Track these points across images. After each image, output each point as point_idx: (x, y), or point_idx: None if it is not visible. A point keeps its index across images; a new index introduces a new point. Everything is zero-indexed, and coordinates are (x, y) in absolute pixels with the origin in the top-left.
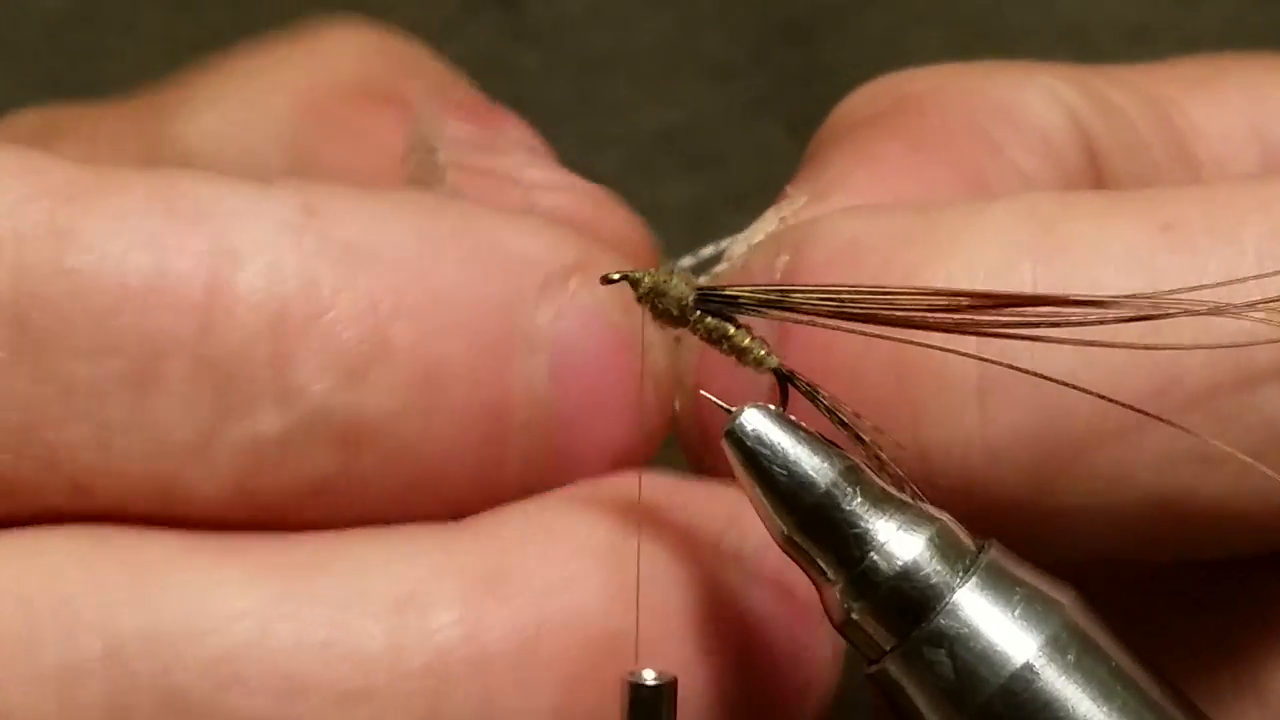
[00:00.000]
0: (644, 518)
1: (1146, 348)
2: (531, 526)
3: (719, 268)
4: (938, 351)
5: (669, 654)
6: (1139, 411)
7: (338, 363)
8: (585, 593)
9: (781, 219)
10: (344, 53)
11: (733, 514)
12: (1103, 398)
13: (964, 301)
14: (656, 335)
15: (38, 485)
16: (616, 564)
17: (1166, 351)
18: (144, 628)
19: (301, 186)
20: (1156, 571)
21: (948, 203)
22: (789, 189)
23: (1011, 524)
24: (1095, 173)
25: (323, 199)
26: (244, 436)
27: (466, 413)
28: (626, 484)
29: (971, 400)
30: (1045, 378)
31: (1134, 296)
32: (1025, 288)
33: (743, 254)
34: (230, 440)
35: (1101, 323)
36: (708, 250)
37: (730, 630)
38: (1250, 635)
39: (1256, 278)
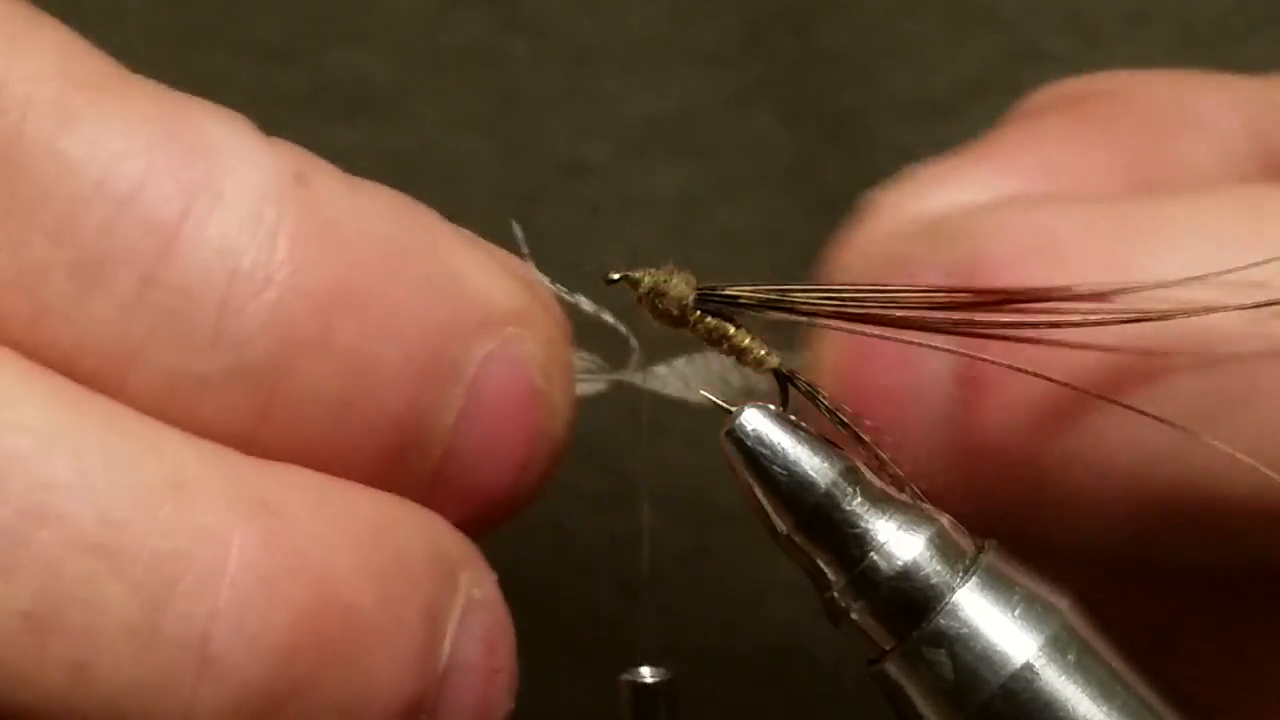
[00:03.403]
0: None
1: (1142, 351)
2: (316, 483)
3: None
4: None
5: (370, 665)
6: (1139, 411)
7: (279, 331)
8: (336, 555)
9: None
10: None
11: (469, 558)
12: (1102, 397)
13: (963, 299)
14: (561, 401)
15: None
16: (375, 549)
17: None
18: None
19: (302, 155)
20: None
21: (1136, 195)
22: None
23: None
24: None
25: (317, 173)
26: (168, 366)
27: (379, 419)
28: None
29: None
30: (1044, 377)
31: (1137, 287)
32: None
33: (879, 246)
34: (155, 364)
35: (1101, 324)
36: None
37: (431, 660)
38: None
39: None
